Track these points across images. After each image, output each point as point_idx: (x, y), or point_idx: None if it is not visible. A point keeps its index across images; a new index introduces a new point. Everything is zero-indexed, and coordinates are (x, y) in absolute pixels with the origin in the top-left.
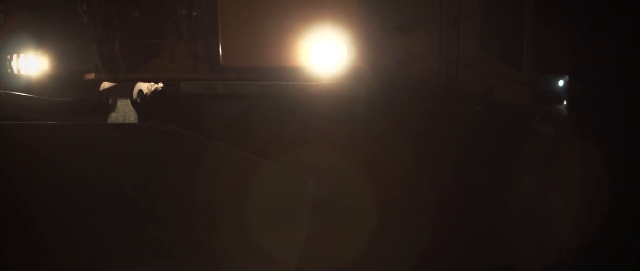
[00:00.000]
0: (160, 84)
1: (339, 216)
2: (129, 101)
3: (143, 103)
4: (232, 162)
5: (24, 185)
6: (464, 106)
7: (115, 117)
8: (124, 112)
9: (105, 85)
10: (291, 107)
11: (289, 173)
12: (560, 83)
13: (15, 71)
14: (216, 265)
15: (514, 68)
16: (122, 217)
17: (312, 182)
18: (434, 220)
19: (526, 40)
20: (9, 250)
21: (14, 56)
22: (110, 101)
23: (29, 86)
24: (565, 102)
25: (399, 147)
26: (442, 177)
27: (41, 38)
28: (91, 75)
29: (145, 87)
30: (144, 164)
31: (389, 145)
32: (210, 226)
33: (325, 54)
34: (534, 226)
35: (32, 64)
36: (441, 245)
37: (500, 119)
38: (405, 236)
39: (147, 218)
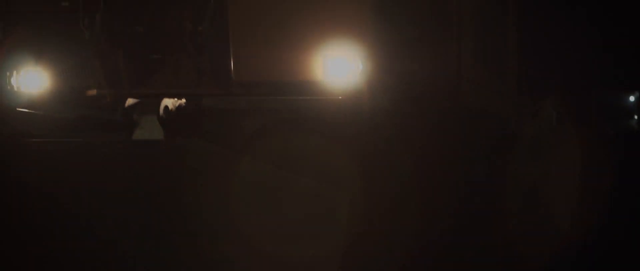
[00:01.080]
0: (184, 100)
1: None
2: (151, 117)
3: (168, 118)
4: (259, 176)
5: (59, 200)
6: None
7: (140, 133)
8: (150, 128)
9: (130, 101)
10: (314, 122)
11: (320, 188)
12: (631, 99)
13: (15, 88)
14: None
15: (499, 80)
16: (151, 229)
17: (346, 197)
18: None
19: (510, 52)
20: None
21: (14, 73)
22: (134, 117)
23: (29, 103)
24: (636, 117)
25: (421, 155)
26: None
27: (41, 54)
28: (93, 91)
29: (170, 103)
30: (172, 179)
31: (409, 154)
32: (238, 239)
33: (339, 67)
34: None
35: (32, 80)
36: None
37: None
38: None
39: (175, 229)
